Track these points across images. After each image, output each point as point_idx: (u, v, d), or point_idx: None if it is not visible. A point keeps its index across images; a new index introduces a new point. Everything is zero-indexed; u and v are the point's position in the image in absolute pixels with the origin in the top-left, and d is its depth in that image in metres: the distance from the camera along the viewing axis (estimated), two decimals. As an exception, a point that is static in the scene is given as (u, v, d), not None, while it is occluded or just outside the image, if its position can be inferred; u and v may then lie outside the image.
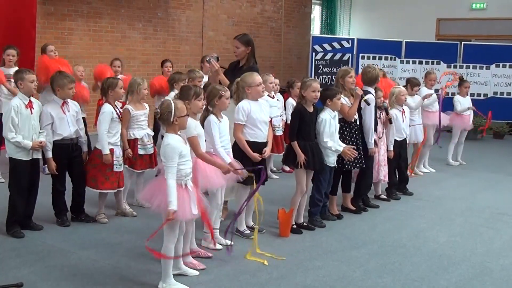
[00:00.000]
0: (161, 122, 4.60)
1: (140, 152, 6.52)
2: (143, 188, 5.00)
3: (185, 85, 5.57)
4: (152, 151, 6.68)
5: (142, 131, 6.54)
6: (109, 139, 6.11)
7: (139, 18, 12.86)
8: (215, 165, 5.14)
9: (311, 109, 6.07)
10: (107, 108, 6.15)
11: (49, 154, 5.91)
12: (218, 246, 5.51)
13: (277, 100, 8.77)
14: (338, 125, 6.33)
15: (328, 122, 6.15)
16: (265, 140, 5.85)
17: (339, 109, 6.28)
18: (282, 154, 7.56)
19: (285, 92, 9.86)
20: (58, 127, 5.93)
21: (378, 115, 7.14)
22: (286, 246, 5.69)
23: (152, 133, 6.77)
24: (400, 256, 5.57)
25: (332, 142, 6.17)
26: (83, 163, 6.19)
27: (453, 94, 11.81)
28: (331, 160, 6.26)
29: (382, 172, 7.38)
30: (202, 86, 6.65)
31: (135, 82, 6.51)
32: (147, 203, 4.69)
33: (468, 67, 14.14)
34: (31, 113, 5.71)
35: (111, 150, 6.11)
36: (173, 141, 4.46)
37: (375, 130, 6.99)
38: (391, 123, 7.43)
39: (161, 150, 4.51)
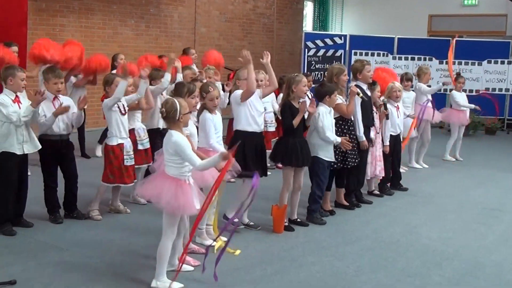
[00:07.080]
0: (166, 120, 4.54)
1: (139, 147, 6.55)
2: (144, 186, 4.75)
3: (179, 82, 5.49)
4: (148, 146, 6.67)
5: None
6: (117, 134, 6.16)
7: (131, 15, 12.81)
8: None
9: (297, 105, 6.03)
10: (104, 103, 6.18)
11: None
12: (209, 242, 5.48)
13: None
14: (334, 120, 6.32)
15: (325, 116, 6.15)
16: (261, 130, 5.86)
17: (334, 105, 6.26)
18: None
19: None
20: None
21: (375, 111, 7.16)
22: (280, 242, 5.69)
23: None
24: (393, 252, 5.59)
25: (333, 135, 6.20)
26: (74, 160, 6.17)
27: (445, 90, 11.87)
28: (330, 155, 6.25)
29: (378, 168, 7.38)
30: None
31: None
32: (156, 203, 4.50)
33: (460, 63, 14.17)
34: (19, 107, 5.62)
35: (121, 145, 6.14)
36: (179, 136, 4.45)
37: (373, 125, 7.01)
38: (387, 118, 7.43)
39: (168, 147, 4.46)
